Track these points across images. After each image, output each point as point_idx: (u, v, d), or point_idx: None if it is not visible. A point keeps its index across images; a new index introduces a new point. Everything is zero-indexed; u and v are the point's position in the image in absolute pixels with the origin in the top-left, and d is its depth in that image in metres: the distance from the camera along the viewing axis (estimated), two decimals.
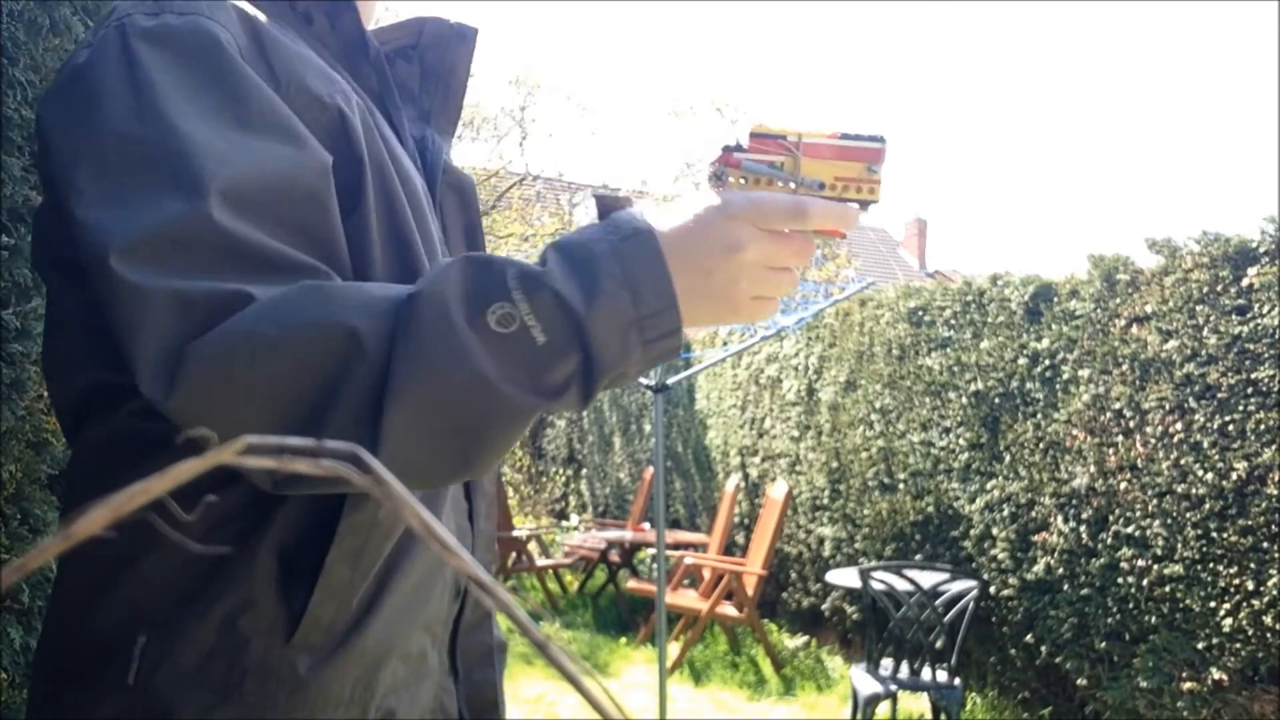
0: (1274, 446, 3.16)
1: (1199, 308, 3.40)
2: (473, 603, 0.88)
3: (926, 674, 3.63)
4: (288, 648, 0.70)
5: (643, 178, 15.95)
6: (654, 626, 4.23)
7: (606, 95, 36.23)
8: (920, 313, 4.71)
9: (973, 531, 4.26)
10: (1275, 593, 3.13)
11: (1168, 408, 3.48)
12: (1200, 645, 3.34)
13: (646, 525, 6.52)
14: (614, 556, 6.43)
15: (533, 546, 6.72)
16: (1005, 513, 4.12)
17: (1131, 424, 3.60)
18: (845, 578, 4.13)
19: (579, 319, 0.61)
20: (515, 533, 6.32)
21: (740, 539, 6.05)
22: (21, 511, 1.57)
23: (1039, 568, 3.93)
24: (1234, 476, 3.25)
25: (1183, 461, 3.42)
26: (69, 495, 0.81)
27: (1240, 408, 3.26)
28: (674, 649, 5.02)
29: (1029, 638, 4.00)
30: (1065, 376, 3.89)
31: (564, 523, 8.75)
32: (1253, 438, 3.22)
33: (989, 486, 4.20)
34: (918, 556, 4.55)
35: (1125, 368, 3.64)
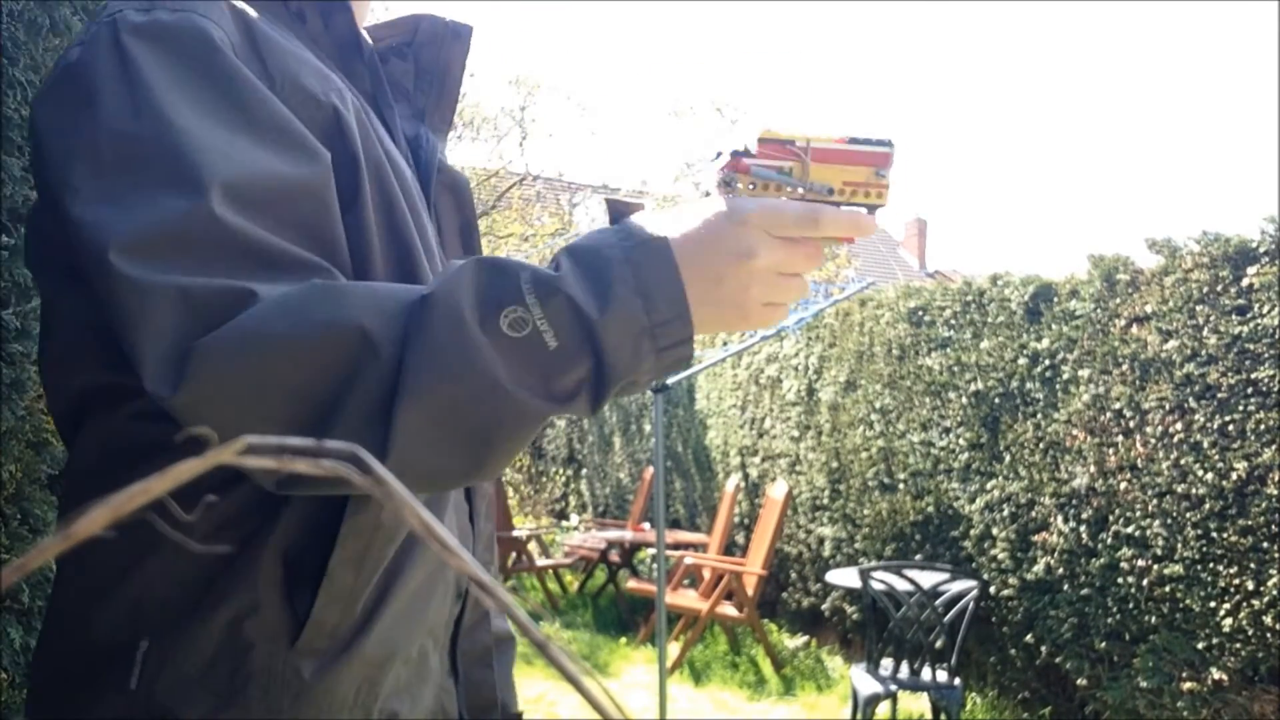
0: (1274, 446, 3.16)
1: (1199, 308, 3.40)
2: (473, 603, 0.88)
3: (926, 674, 3.62)
4: (292, 652, 0.69)
5: (643, 178, 15.98)
6: (654, 626, 4.22)
7: (606, 95, 36.26)
8: (920, 313, 4.71)
9: (973, 531, 4.26)
10: (1275, 593, 3.13)
11: (1168, 408, 3.48)
12: (1200, 645, 3.34)
13: (646, 525, 6.52)
14: (614, 556, 6.42)
15: (533, 546, 6.72)
16: (1005, 513, 4.12)
17: (1131, 424, 3.60)
18: (845, 578, 4.13)
19: (591, 325, 0.61)
20: (515, 533, 6.32)
21: (740, 539, 6.04)
22: (21, 511, 1.57)
23: (1039, 568, 3.93)
24: (1234, 476, 3.25)
25: (1183, 461, 3.42)
26: (68, 496, 0.81)
27: (1240, 408, 3.26)
28: (674, 649, 5.02)
29: (1029, 638, 4.00)
30: (1065, 376, 3.89)
31: (564, 523, 8.74)
32: (1253, 438, 3.22)
33: (989, 486, 4.20)
34: (918, 556, 4.55)
35: (1125, 368, 3.64)
